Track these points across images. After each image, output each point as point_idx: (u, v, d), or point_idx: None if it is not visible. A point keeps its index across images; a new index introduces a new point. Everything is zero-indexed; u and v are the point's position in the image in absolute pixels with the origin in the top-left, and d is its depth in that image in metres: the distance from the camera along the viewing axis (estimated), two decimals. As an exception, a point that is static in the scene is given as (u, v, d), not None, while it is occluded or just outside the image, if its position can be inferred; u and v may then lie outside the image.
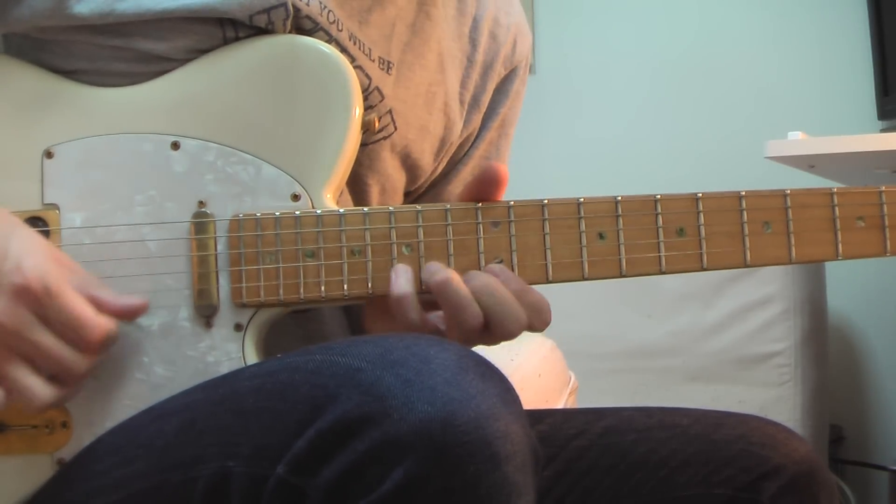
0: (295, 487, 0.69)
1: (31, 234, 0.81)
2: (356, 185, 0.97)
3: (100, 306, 0.80)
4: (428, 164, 1.02)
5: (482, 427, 0.66)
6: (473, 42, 1.05)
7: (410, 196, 1.05)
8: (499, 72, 1.07)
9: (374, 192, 0.98)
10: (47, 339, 0.77)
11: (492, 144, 1.09)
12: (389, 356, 0.70)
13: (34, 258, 0.77)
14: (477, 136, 1.08)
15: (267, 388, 0.74)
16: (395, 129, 0.97)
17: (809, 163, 1.88)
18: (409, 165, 1.00)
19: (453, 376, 0.68)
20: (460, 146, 1.07)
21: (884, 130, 2.36)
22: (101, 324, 0.79)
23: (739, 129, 2.61)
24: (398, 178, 1.00)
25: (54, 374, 0.79)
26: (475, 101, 1.05)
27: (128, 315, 0.82)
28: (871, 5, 2.43)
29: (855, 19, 2.50)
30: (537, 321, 0.85)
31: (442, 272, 0.83)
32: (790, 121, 2.10)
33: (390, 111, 0.96)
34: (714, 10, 2.70)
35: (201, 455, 0.74)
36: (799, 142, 1.80)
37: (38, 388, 0.78)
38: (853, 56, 2.51)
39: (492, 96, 1.07)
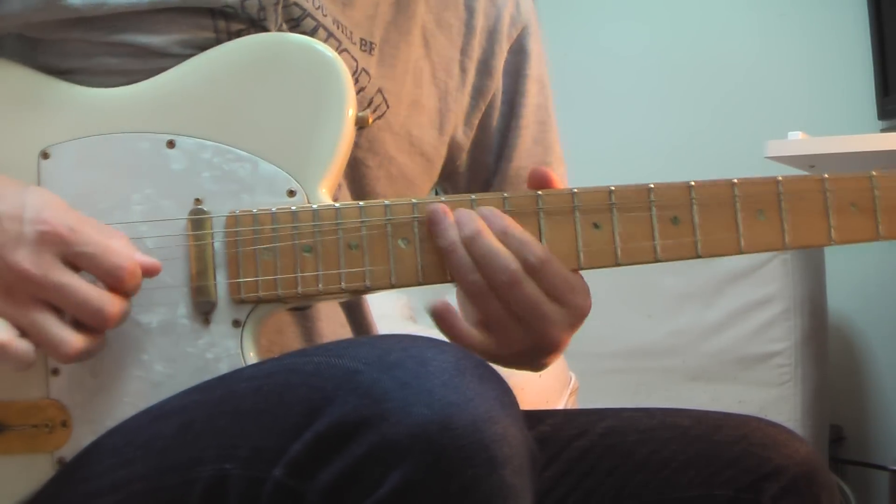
0: (292, 490, 0.69)
1: (45, 191, 0.81)
2: (356, 171, 0.97)
3: None
4: (434, 139, 1.02)
5: (480, 430, 0.66)
6: (469, 9, 1.04)
7: (457, 178, 1.06)
8: (508, 34, 1.07)
9: (379, 175, 0.98)
10: (74, 280, 0.77)
11: (541, 108, 1.09)
12: (387, 358, 0.70)
13: (53, 207, 0.78)
14: (516, 104, 1.07)
15: (264, 389, 0.74)
16: (388, 106, 0.97)
17: (809, 163, 1.88)
18: (420, 149, 1.01)
19: (451, 379, 0.68)
20: (487, 114, 1.06)
21: (884, 130, 2.36)
22: (131, 255, 0.79)
23: (739, 129, 2.60)
24: (407, 164, 1.00)
25: (83, 320, 0.78)
26: (485, 66, 1.05)
27: (143, 272, 0.80)
28: (871, 5, 2.43)
29: (855, 19, 2.50)
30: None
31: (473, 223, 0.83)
32: (790, 121, 2.10)
33: (380, 90, 0.96)
34: (714, 10, 2.70)
35: (199, 457, 0.74)
36: (799, 142, 1.80)
37: (67, 335, 0.77)
38: (853, 56, 2.51)
39: (511, 59, 1.07)
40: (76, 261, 0.77)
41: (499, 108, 1.07)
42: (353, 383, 0.68)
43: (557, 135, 1.11)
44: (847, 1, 2.54)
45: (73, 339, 0.77)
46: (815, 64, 2.59)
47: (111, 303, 0.78)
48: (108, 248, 0.77)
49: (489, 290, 0.82)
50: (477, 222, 0.83)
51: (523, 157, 1.07)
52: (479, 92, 1.05)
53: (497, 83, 1.06)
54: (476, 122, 1.06)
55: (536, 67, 1.09)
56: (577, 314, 0.85)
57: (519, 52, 1.08)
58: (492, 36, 1.05)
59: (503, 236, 0.83)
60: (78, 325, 0.78)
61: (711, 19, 2.70)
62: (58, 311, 0.77)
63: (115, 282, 0.78)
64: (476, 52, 1.04)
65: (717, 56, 2.68)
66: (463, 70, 1.03)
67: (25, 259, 0.75)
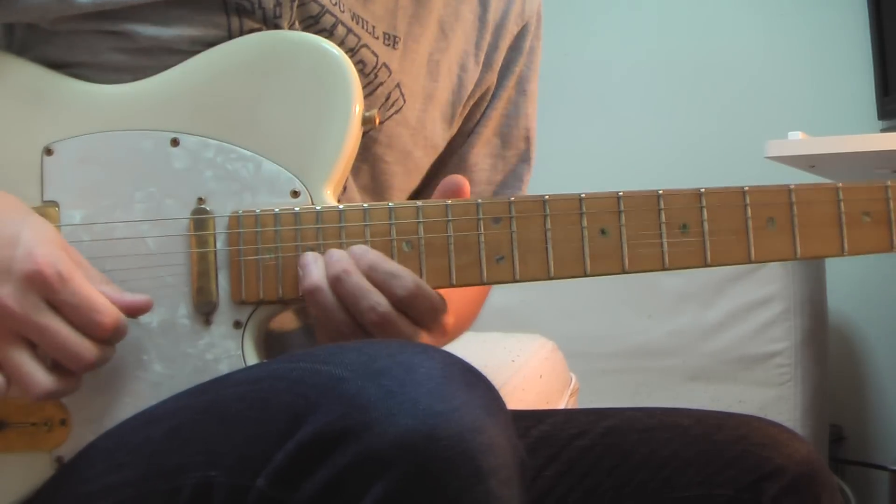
0: (275, 501, 0.68)
1: (42, 224, 0.80)
2: (375, 168, 0.97)
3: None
4: (444, 131, 1.02)
5: (466, 440, 0.64)
6: (483, 3, 1.05)
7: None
8: (511, 30, 1.07)
9: (397, 171, 0.98)
10: (55, 323, 0.76)
11: (510, 102, 1.09)
12: (373, 365, 0.68)
13: (46, 246, 0.77)
14: (493, 96, 1.08)
15: (250, 396, 0.73)
16: (405, 101, 0.97)
17: (810, 163, 1.87)
18: (433, 142, 1.01)
19: (437, 387, 0.66)
20: (476, 106, 1.07)
21: (884, 130, 2.35)
22: (114, 310, 0.78)
23: (739, 129, 2.60)
24: (421, 158, 1.01)
25: (60, 361, 0.78)
26: (488, 59, 1.06)
27: (132, 312, 0.81)
28: (871, 5, 2.43)
29: (855, 19, 2.50)
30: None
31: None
32: (790, 121, 2.09)
33: (398, 84, 0.96)
34: (714, 9, 2.70)
35: (186, 463, 0.73)
36: (799, 142, 1.79)
37: (39, 375, 0.77)
38: (853, 56, 2.51)
39: (506, 54, 1.07)
40: (59, 307, 0.77)
41: (487, 101, 1.08)
42: (337, 391, 0.67)
43: (529, 133, 1.10)
44: (847, 1, 2.53)
45: (45, 381, 0.77)
46: (815, 64, 2.58)
47: (89, 349, 0.77)
48: (92, 301, 0.77)
49: (358, 327, 0.81)
50: (343, 262, 0.81)
51: (482, 146, 1.07)
52: (478, 84, 1.05)
53: (494, 77, 1.07)
54: (467, 111, 1.06)
55: (524, 65, 1.09)
56: (442, 333, 0.85)
57: (514, 49, 1.08)
58: (498, 31, 1.06)
59: (371, 272, 0.81)
60: (55, 364, 0.78)
61: (712, 19, 2.70)
62: (35, 346, 0.77)
63: (94, 334, 0.78)
64: (485, 45, 1.05)
65: (718, 56, 2.68)
66: (476, 63, 1.04)
67: (10, 296, 0.75)
